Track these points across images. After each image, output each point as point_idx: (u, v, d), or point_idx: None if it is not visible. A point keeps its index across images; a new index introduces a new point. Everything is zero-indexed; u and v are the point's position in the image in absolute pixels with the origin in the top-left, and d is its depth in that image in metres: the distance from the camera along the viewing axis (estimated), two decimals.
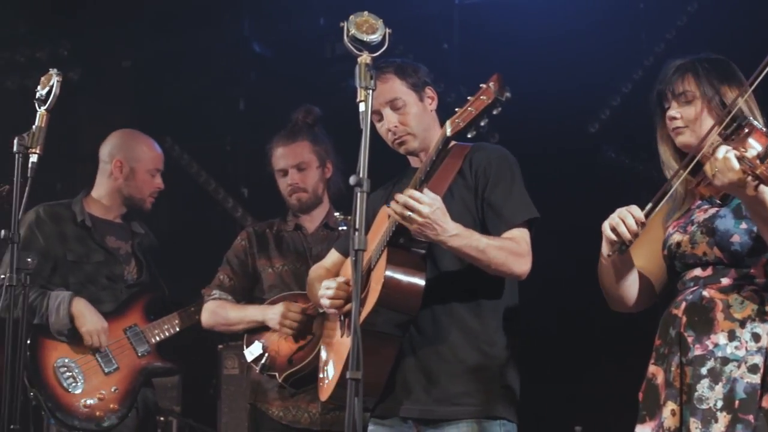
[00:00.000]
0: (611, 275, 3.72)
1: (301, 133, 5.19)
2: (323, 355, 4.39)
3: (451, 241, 3.79)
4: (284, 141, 5.19)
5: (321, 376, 4.35)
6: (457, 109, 3.64)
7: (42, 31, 7.98)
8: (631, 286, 3.75)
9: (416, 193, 3.73)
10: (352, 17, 3.59)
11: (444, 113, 4.18)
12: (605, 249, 3.61)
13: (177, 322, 5.45)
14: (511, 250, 3.91)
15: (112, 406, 5.16)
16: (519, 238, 3.96)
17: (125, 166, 5.46)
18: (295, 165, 5.16)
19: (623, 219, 3.50)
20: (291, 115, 5.29)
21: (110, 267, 5.42)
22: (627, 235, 3.49)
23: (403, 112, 4.13)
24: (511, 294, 4.11)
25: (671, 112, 3.67)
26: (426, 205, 3.70)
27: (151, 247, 5.65)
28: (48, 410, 5.08)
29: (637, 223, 3.48)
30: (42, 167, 4.13)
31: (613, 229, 3.51)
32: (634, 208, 3.51)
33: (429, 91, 4.22)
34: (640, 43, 6.82)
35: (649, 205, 3.53)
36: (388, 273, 3.86)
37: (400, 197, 3.75)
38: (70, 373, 5.14)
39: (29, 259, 4.12)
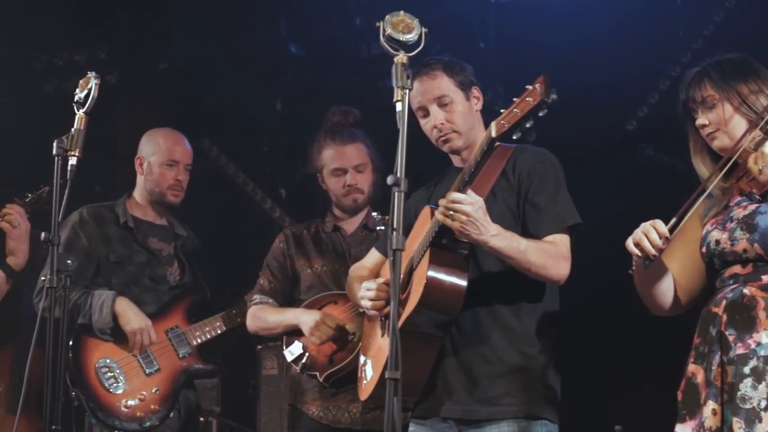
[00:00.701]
0: (644, 284, 3.73)
1: (356, 135, 5.18)
2: (366, 354, 4.39)
3: (492, 241, 3.78)
4: (339, 141, 5.15)
5: (361, 375, 4.35)
6: (502, 111, 3.62)
7: (80, 35, 8.02)
8: (665, 293, 3.75)
9: (459, 195, 3.73)
10: (388, 17, 3.58)
11: (482, 113, 4.18)
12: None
13: (218, 324, 5.46)
14: (551, 254, 3.90)
15: (153, 407, 5.17)
16: (560, 242, 3.95)
17: (144, 162, 5.49)
18: (355, 166, 5.14)
19: (646, 233, 3.51)
20: (325, 115, 5.27)
21: (153, 268, 5.44)
22: (650, 250, 3.50)
23: (449, 110, 4.12)
24: (551, 296, 4.09)
25: (699, 120, 3.68)
26: (469, 205, 3.70)
27: (193, 249, 5.67)
28: (89, 410, 5.10)
29: (660, 238, 3.48)
30: (81, 169, 4.15)
31: (637, 244, 3.52)
32: (658, 223, 3.52)
33: (475, 91, 4.20)
34: (678, 40, 6.79)
35: (674, 220, 3.53)
36: (431, 273, 3.85)
37: (442, 200, 3.75)
38: (112, 374, 5.17)
39: (69, 261, 4.14)
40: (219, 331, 5.46)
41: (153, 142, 5.50)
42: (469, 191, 3.76)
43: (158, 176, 5.45)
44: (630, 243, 3.55)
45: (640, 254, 3.52)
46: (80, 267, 5.15)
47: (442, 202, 3.76)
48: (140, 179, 5.52)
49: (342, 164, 5.15)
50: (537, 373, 3.98)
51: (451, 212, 3.71)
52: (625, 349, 6.28)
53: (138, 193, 5.54)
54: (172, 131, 5.60)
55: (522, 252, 3.83)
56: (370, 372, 4.23)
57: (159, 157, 5.45)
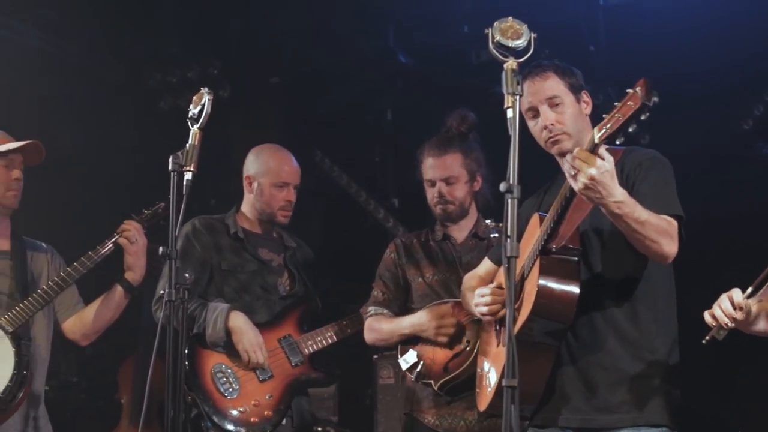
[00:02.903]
0: (743, 328, 3.72)
1: (453, 144, 5.16)
2: (483, 364, 4.37)
3: (614, 207, 3.66)
4: (435, 151, 5.16)
5: (483, 383, 4.34)
6: (604, 116, 3.57)
7: (192, 52, 8.15)
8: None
9: (584, 153, 3.61)
10: (496, 23, 3.57)
11: (592, 117, 4.14)
12: None
13: (330, 334, 5.49)
14: (665, 230, 3.79)
15: (266, 413, 5.22)
16: (671, 222, 3.84)
17: (254, 182, 5.52)
18: (444, 178, 5.13)
19: (719, 303, 3.47)
20: (445, 120, 5.27)
21: (264, 277, 5.48)
22: (723, 319, 3.52)
23: (560, 111, 4.07)
24: (669, 300, 4.03)
25: None
26: (594, 167, 3.58)
27: (305, 259, 5.70)
28: (204, 414, 5.15)
29: (734, 307, 3.44)
30: (196, 184, 4.20)
31: (711, 315, 3.49)
32: (735, 292, 3.50)
33: (585, 95, 4.15)
34: None
35: (750, 289, 3.50)
36: (542, 282, 3.82)
37: (568, 156, 3.66)
38: (227, 379, 5.22)
39: (187, 275, 4.19)
40: (330, 341, 5.49)
41: (262, 162, 5.53)
42: (602, 151, 3.61)
43: (269, 197, 5.49)
44: (706, 313, 3.58)
45: (714, 323, 3.54)
46: (195, 275, 5.25)
47: (568, 157, 3.67)
48: (249, 197, 5.57)
49: (432, 176, 5.16)
50: (656, 379, 3.92)
51: (574, 172, 3.62)
52: (746, 353, 6.15)
53: (246, 209, 5.59)
54: (280, 149, 5.62)
55: (641, 223, 3.71)
56: (490, 381, 4.22)
57: (269, 178, 5.48)
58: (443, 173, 5.13)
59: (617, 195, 3.64)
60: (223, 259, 5.43)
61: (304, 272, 5.64)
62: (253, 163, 5.55)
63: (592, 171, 3.57)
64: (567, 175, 3.66)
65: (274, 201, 5.48)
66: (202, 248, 5.40)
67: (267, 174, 5.49)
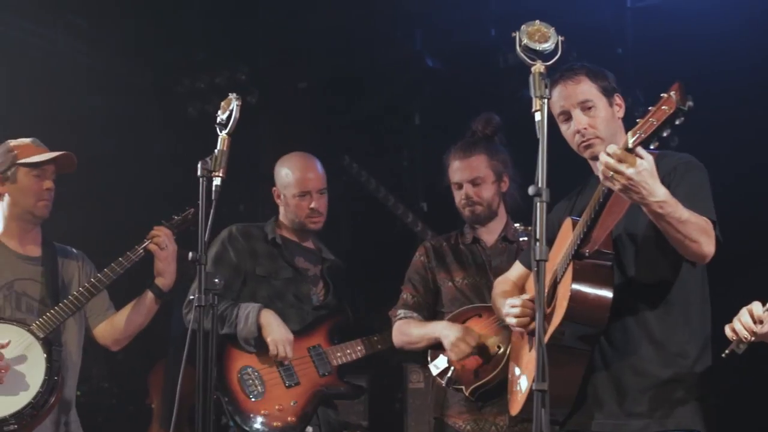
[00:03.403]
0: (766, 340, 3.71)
1: (478, 146, 5.17)
2: (515, 369, 4.37)
3: (656, 206, 3.61)
4: (461, 154, 5.18)
5: (515, 388, 4.33)
6: (638, 120, 3.53)
7: (220, 58, 8.17)
8: None
9: (620, 153, 3.54)
10: (523, 27, 3.57)
11: (624, 120, 4.12)
12: None
13: (359, 348, 5.50)
14: (705, 230, 3.75)
15: (289, 418, 5.23)
16: (709, 222, 3.80)
17: (280, 194, 5.57)
18: (471, 180, 5.14)
19: (739, 317, 3.50)
20: (470, 123, 5.28)
21: (297, 285, 5.50)
22: (743, 332, 3.53)
23: (592, 115, 4.04)
24: (701, 302, 4.01)
25: None
26: (631, 167, 3.52)
27: (339, 272, 5.72)
28: (228, 413, 5.18)
29: (754, 321, 3.43)
30: (225, 189, 4.20)
31: (732, 328, 3.48)
32: (755, 305, 3.52)
33: (617, 98, 4.12)
34: None
35: None
36: (575, 287, 3.80)
37: (603, 155, 3.60)
38: (253, 381, 5.24)
39: (216, 280, 4.20)
40: (359, 355, 5.50)
41: (284, 174, 5.55)
42: (639, 149, 3.54)
43: (294, 208, 5.52)
44: (726, 327, 3.59)
45: (734, 337, 3.54)
46: (228, 280, 5.28)
47: (602, 157, 3.59)
48: (281, 209, 5.61)
49: (459, 178, 5.16)
50: (688, 384, 3.90)
51: (611, 173, 3.56)
52: None
53: (282, 218, 5.63)
54: (301, 157, 5.62)
55: (682, 222, 3.67)
56: (525, 384, 4.21)
57: (291, 189, 5.51)
58: (469, 174, 5.14)
59: (659, 194, 3.60)
60: (258, 265, 5.45)
61: (340, 286, 5.65)
62: (277, 176, 5.60)
63: (630, 171, 3.52)
64: (601, 176, 3.63)
65: (300, 210, 5.51)
66: (236, 254, 5.42)
67: (288, 185, 5.52)
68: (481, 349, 4.93)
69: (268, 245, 5.51)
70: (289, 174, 5.53)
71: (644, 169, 3.54)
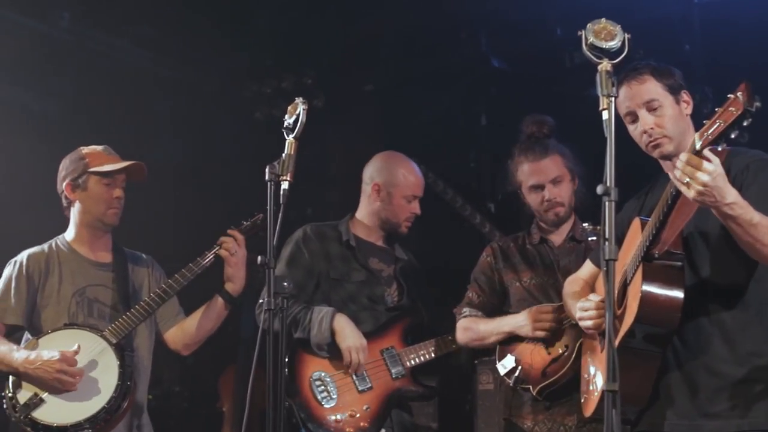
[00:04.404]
0: None
1: (549, 146, 5.13)
2: (589, 369, 4.35)
3: (727, 208, 3.57)
4: (534, 156, 5.12)
5: (590, 388, 4.31)
6: (705, 122, 3.49)
7: (286, 63, 8.21)
8: None
9: (695, 160, 3.51)
10: (589, 25, 3.55)
11: (691, 116, 4.07)
12: None
13: (433, 349, 5.49)
14: None
15: (362, 424, 5.23)
16: None
17: (383, 190, 5.55)
18: (552, 179, 5.10)
19: None
20: (521, 127, 5.24)
21: (371, 287, 5.51)
22: None
23: (659, 114, 4.01)
24: None
25: None
26: (706, 173, 3.50)
27: (413, 272, 5.71)
28: (300, 420, 5.19)
29: None
30: (293, 193, 4.23)
31: None
32: None
33: (684, 95, 4.08)
34: None
35: None
36: (645, 288, 3.77)
37: (678, 163, 3.57)
38: (325, 387, 5.25)
39: (285, 284, 4.22)
40: (433, 355, 5.48)
41: (393, 172, 5.57)
42: (708, 153, 3.51)
43: (397, 209, 5.54)
44: None
45: None
46: (301, 281, 5.34)
47: (678, 164, 3.56)
48: (370, 203, 5.60)
49: (539, 180, 5.11)
50: (763, 384, 3.84)
51: (687, 179, 3.53)
52: None
53: (364, 216, 5.63)
54: (407, 160, 5.66)
55: (753, 225, 3.62)
56: (600, 384, 4.18)
57: (401, 190, 5.53)
58: (549, 175, 5.10)
59: (730, 196, 3.56)
60: (332, 268, 5.47)
61: (414, 286, 5.64)
62: (382, 172, 5.59)
63: (705, 177, 3.49)
64: (677, 183, 3.59)
65: (402, 212, 5.54)
66: (310, 255, 5.45)
67: (398, 185, 5.54)
68: (548, 348, 4.91)
69: (342, 247, 5.52)
70: (407, 176, 5.56)
71: (717, 174, 3.51)
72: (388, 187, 5.54)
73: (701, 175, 3.50)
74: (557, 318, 4.88)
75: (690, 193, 3.55)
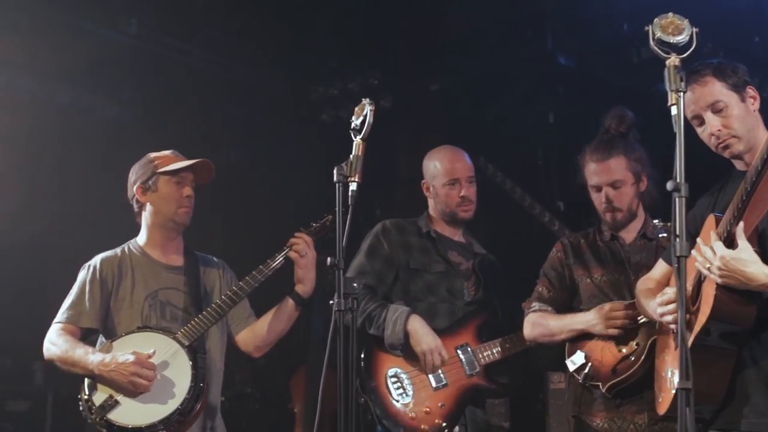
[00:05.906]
0: None
1: (616, 147, 5.05)
2: (665, 368, 4.31)
3: (761, 288, 3.66)
4: (598, 156, 5.05)
5: (666, 386, 4.27)
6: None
7: (352, 64, 8.25)
8: None
9: (707, 252, 3.66)
10: (656, 20, 3.52)
11: (763, 111, 4.02)
12: None
13: (508, 346, 5.49)
14: None
15: (437, 421, 5.24)
16: None
17: (429, 186, 5.68)
18: (610, 183, 5.04)
19: None
20: (602, 121, 5.20)
21: (450, 279, 5.55)
22: None
23: (725, 115, 3.96)
24: None
25: None
26: (720, 260, 3.63)
27: (491, 267, 5.74)
28: (376, 417, 5.22)
29: None
30: (362, 194, 4.23)
31: None
32: None
33: (750, 91, 4.02)
34: None
35: None
36: (720, 286, 3.73)
37: (695, 252, 3.66)
38: (400, 384, 5.27)
39: (355, 285, 4.22)
40: (507, 353, 5.48)
41: (432, 165, 5.65)
42: (739, 229, 3.62)
43: (444, 197, 5.59)
44: None
45: None
46: (380, 272, 5.42)
47: (695, 252, 3.65)
48: (430, 202, 5.70)
49: (599, 181, 5.07)
50: None
51: (708, 265, 3.65)
52: None
53: (433, 213, 5.71)
54: (450, 148, 5.72)
55: None
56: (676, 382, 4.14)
57: (440, 179, 5.60)
58: (609, 178, 5.05)
59: (758, 278, 3.65)
60: (412, 258, 5.53)
61: (492, 281, 5.66)
62: (426, 169, 5.69)
63: (719, 264, 3.63)
64: (701, 267, 3.71)
65: (450, 199, 5.59)
66: (389, 246, 5.52)
67: (437, 175, 5.61)
68: (619, 345, 4.87)
69: (422, 239, 5.60)
70: (438, 165, 5.62)
71: (732, 259, 3.62)
72: (430, 181, 5.66)
73: (714, 260, 3.62)
74: (630, 315, 4.85)
75: (712, 278, 3.66)
